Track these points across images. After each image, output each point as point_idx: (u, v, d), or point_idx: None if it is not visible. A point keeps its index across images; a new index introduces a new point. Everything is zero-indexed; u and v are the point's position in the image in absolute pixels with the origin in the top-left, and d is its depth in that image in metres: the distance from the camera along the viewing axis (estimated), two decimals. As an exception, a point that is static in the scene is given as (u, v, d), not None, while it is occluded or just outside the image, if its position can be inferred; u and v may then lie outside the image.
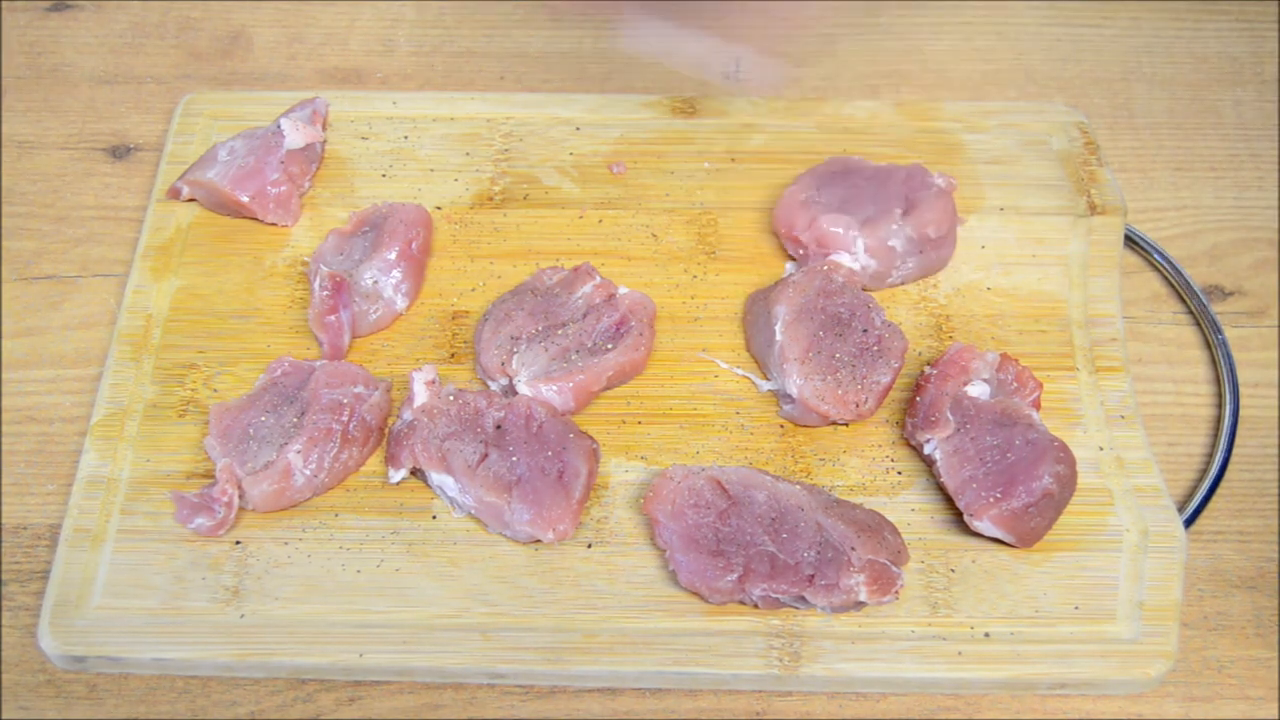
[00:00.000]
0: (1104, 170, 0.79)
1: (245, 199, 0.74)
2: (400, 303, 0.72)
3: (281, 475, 0.64)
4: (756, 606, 0.63)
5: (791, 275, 0.71)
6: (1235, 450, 0.70)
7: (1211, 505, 0.68)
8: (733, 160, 0.80)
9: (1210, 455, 0.70)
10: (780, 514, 0.63)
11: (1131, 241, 0.78)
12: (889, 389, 0.68)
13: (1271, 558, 0.67)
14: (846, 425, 0.69)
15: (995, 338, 0.72)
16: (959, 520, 0.65)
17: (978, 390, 0.67)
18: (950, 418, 0.66)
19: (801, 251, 0.74)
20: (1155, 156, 0.83)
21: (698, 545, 0.62)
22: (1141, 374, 0.73)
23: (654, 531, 0.64)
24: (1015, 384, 0.68)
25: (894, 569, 0.62)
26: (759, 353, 0.71)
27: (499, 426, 0.66)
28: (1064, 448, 0.64)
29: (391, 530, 0.65)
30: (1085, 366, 0.71)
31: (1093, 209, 0.77)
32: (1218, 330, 0.74)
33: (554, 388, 0.67)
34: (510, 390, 0.68)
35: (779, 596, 0.61)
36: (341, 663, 0.61)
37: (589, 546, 0.65)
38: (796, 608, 0.63)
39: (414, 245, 0.73)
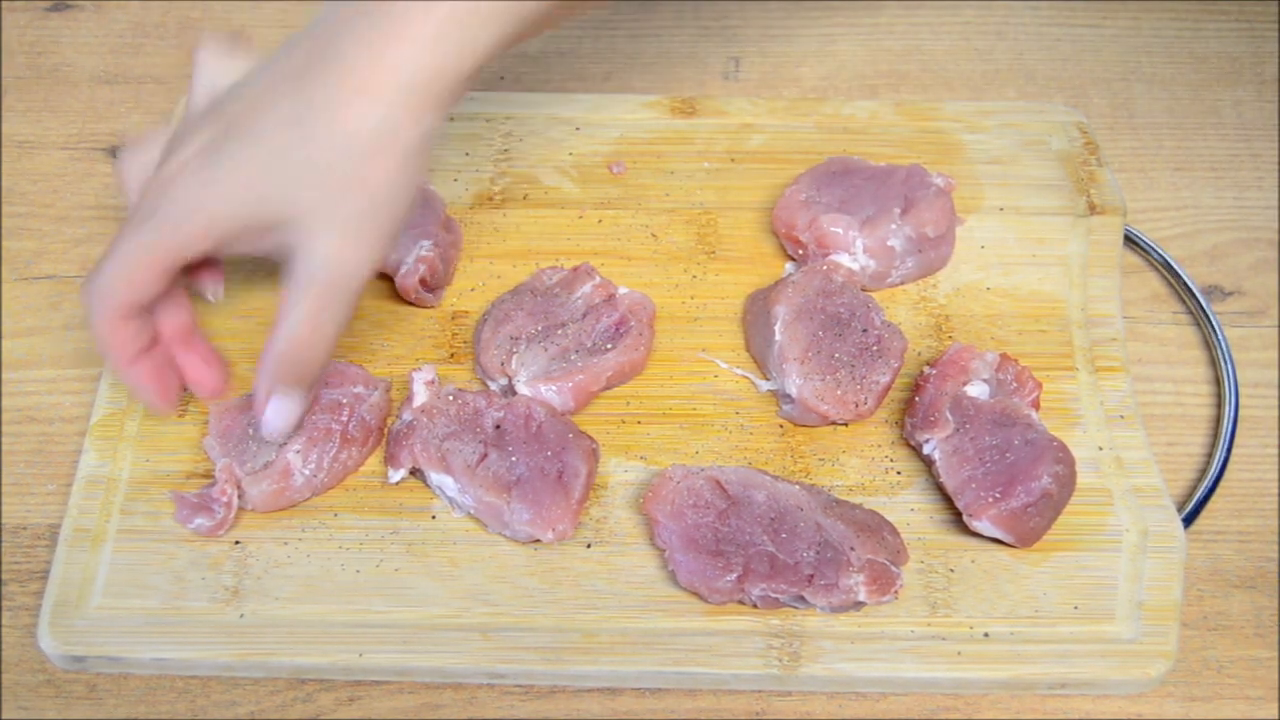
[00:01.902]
0: (1104, 170, 0.79)
1: None
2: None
3: (281, 475, 0.64)
4: (756, 606, 0.63)
5: (791, 275, 0.71)
6: (1235, 450, 0.70)
7: (1211, 505, 0.68)
8: (732, 160, 0.80)
9: (1210, 455, 0.70)
10: (780, 514, 0.63)
11: (1131, 241, 0.78)
12: (888, 389, 0.68)
13: (1271, 558, 0.67)
14: (846, 425, 0.69)
15: (995, 338, 0.72)
16: (958, 520, 0.65)
17: (977, 390, 0.67)
18: (949, 418, 0.66)
19: (801, 251, 0.74)
20: (1155, 156, 0.83)
21: (697, 545, 0.62)
22: (1141, 374, 0.73)
23: (653, 531, 0.64)
24: (1015, 384, 0.68)
25: (893, 569, 0.62)
26: (758, 353, 0.71)
27: (498, 426, 0.66)
28: (1063, 448, 0.65)
29: (391, 530, 0.65)
30: (1085, 366, 0.71)
31: (1092, 209, 0.77)
32: (1217, 330, 0.74)
33: (553, 388, 0.67)
34: (510, 390, 0.68)
35: (778, 596, 0.62)
36: (341, 663, 0.61)
37: (588, 546, 0.65)
38: (796, 607, 0.63)
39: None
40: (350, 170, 0.58)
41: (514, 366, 0.68)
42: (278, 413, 0.63)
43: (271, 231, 0.59)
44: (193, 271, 0.66)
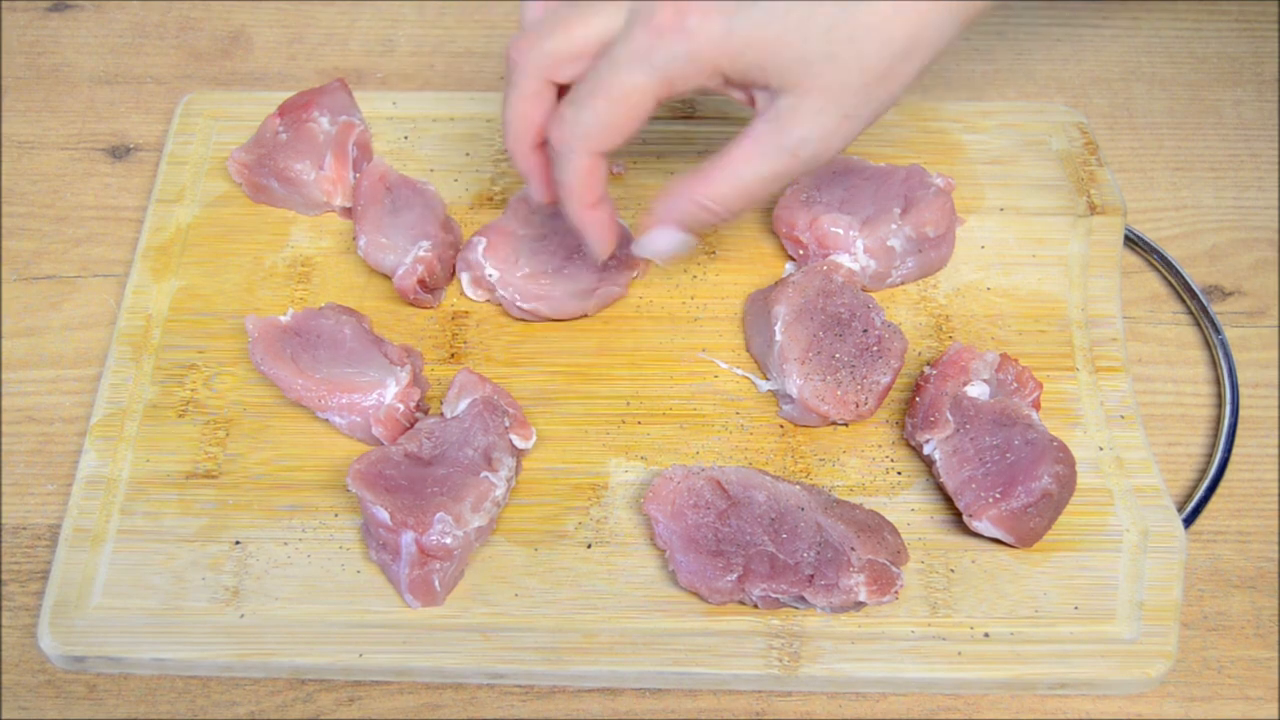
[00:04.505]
0: (1104, 170, 0.79)
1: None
2: None
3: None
4: (756, 606, 0.63)
5: (791, 275, 0.71)
6: (1235, 450, 0.70)
7: (1211, 505, 0.68)
8: (732, 160, 0.80)
9: (1210, 455, 0.70)
10: (780, 514, 0.63)
11: (1131, 241, 0.78)
12: (889, 389, 0.68)
13: (1271, 558, 0.67)
14: (846, 425, 0.69)
15: (995, 338, 0.72)
16: (958, 520, 0.65)
17: (977, 390, 0.67)
18: (950, 418, 0.66)
19: (801, 251, 0.74)
20: (1155, 156, 0.83)
21: (697, 545, 0.62)
22: (1141, 374, 0.73)
23: (654, 532, 0.64)
24: (1015, 384, 0.68)
25: (894, 569, 0.62)
26: (759, 353, 0.71)
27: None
28: (1063, 448, 0.64)
29: (391, 530, 0.65)
30: (1085, 366, 0.71)
31: (1093, 209, 0.77)
32: (1218, 330, 0.74)
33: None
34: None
35: (779, 596, 0.62)
36: (341, 663, 0.61)
37: (588, 546, 0.65)
38: (796, 608, 0.63)
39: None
40: (883, 67, 0.56)
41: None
42: (669, 239, 0.62)
43: (761, 85, 0.58)
44: None
